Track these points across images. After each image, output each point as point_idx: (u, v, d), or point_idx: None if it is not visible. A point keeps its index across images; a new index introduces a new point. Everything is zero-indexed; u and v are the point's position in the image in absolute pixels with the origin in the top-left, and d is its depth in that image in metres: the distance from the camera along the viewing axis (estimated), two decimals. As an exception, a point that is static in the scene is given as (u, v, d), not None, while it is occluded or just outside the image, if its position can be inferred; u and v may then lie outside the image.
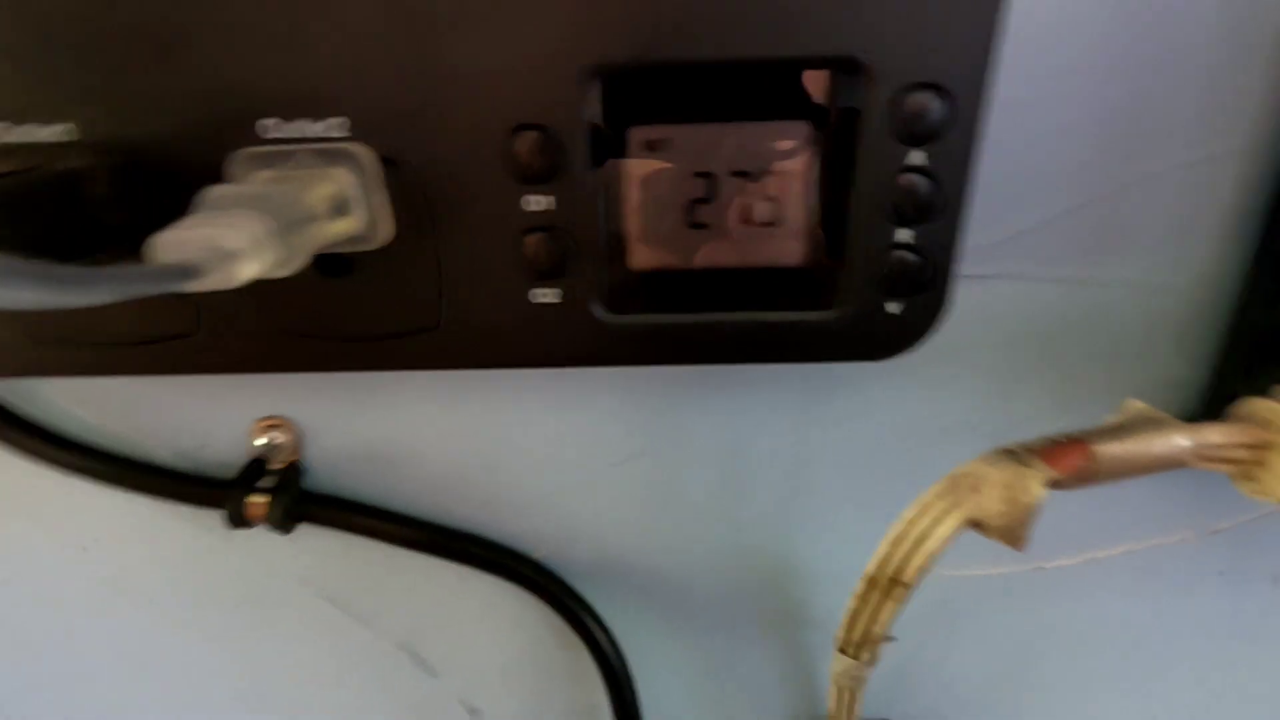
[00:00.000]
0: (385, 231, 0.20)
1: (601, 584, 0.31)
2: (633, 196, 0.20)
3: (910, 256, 0.20)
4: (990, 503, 0.17)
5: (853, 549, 0.31)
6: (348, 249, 0.20)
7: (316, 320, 0.21)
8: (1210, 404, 0.27)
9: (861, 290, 0.21)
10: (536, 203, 0.20)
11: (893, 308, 0.21)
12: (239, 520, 0.29)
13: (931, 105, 0.18)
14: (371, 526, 0.30)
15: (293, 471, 0.30)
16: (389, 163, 0.19)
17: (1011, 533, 0.17)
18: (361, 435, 0.29)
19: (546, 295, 0.21)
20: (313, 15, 0.18)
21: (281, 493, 0.29)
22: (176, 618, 0.33)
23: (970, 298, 0.25)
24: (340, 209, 0.19)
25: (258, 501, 0.29)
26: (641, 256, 0.21)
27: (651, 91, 0.19)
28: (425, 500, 0.30)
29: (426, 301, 0.21)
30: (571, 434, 0.29)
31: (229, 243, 0.15)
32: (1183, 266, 0.25)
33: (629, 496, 0.30)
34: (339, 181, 0.19)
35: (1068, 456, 0.17)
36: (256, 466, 0.30)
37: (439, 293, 0.21)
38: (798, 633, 0.32)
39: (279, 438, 0.30)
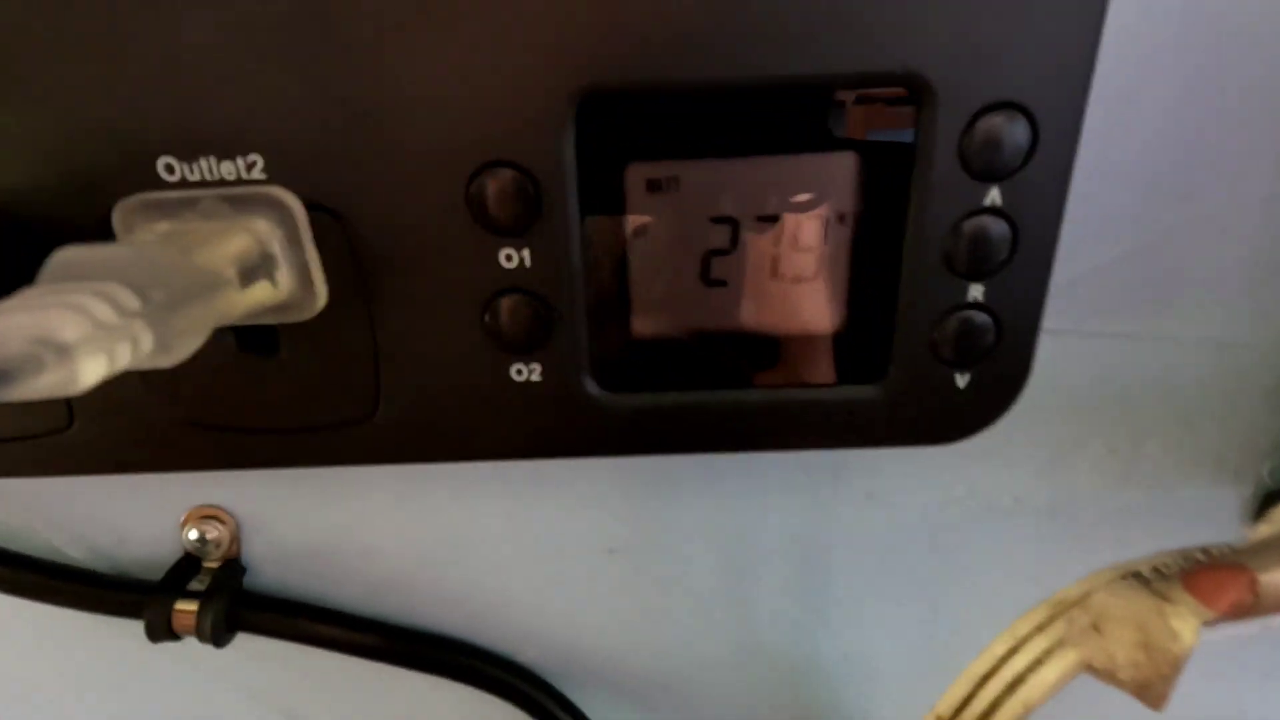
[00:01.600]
0: (317, 297, 0.16)
1: (594, 690, 0.27)
2: (635, 248, 0.16)
3: (981, 317, 0.16)
4: (1120, 648, 0.13)
5: (882, 643, 0.26)
6: (270, 320, 0.15)
7: (232, 409, 0.17)
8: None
9: (920, 360, 0.16)
10: (510, 258, 0.16)
11: (960, 380, 0.17)
12: (162, 632, 0.24)
13: (1011, 131, 0.14)
14: (325, 634, 0.25)
15: (231, 570, 0.25)
16: (319, 210, 0.15)
17: (1150, 689, 0.13)
18: (311, 527, 0.25)
19: (526, 372, 0.17)
20: (214, 26, 0.14)
21: (216, 597, 0.24)
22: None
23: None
24: (256, 270, 0.14)
25: (186, 609, 0.24)
26: (645, 321, 0.17)
27: (655, 120, 0.15)
28: (388, 600, 0.26)
29: (370, 382, 0.17)
30: (552, 519, 0.24)
31: (64, 334, 0.10)
32: (1264, 320, 0.21)
33: (623, 590, 0.25)
34: (254, 234, 0.14)
35: (1225, 589, 0.13)
36: (189, 565, 0.25)
37: (387, 371, 0.16)
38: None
39: (214, 531, 0.25)
